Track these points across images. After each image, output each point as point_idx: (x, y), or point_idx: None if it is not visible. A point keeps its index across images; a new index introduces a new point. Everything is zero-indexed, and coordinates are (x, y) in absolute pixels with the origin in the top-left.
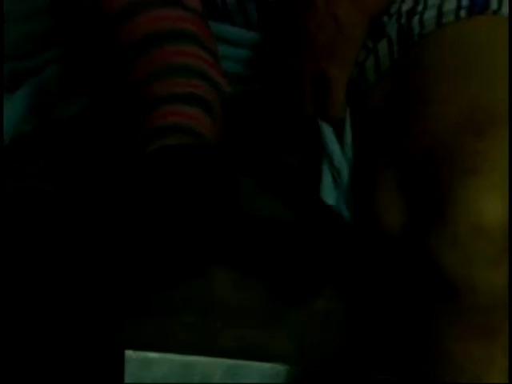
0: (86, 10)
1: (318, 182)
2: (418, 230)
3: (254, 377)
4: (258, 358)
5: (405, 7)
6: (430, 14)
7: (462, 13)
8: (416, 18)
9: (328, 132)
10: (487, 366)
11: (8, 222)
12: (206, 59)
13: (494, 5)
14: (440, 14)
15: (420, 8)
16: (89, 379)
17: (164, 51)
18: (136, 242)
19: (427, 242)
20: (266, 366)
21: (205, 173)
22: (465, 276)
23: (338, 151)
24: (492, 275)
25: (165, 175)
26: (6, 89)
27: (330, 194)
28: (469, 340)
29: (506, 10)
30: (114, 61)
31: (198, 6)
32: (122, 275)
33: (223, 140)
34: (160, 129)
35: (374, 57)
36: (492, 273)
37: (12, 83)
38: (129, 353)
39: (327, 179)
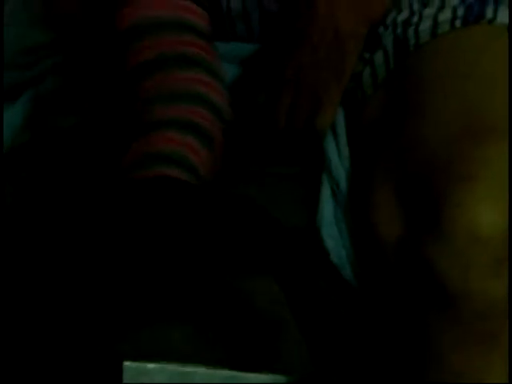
0: (100, 23)
1: (317, 193)
2: (415, 238)
3: None
4: (260, 369)
5: (400, 18)
6: (426, 25)
7: (457, 23)
8: (411, 29)
9: (329, 143)
10: (485, 374)
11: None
12: (213, 86)
13: (489, 14)
14: (435, 24)
15: (416, 19)
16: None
17: (170, 76)
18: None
19: (424, 250)
20: (264, 376)
21: (188, 217)
22: (461, 284)
23: (337, 162)
24: (489, 283)
25: (149, 209)
26: (5, 99)
27: (327, 206)
28: (466, 348)
29: (501, 19)
30: (119, 79)
31: (206, 28)
32: (121, 286)
33: (221, 167)
34: (153, 155)
35: (371, 68)
36: (489, 281)
37: (11, 93)
38: (127, 362)
39: (326, 191)
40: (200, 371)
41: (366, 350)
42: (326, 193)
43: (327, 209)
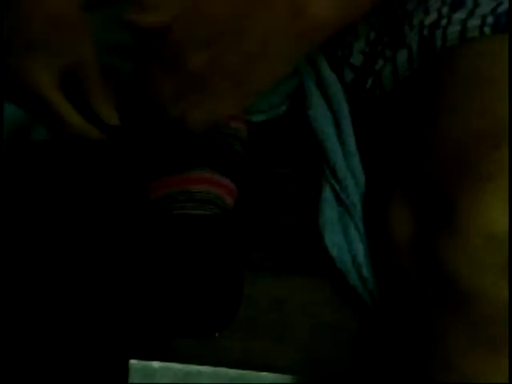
0: None
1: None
2: (428, 238)
3: None
4: (263, 368)
5: (428, 20)
6: (454, 29)
7: (487, 30)
8: (439, 31)
9: (331, 140)
10: (492, 378)
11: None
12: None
13: None
14: (464, 28)
15: (444, 22)
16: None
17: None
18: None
19: (437, 248)
20: (271, 376)
21: None
22: (474, 283)
23: (340, 161)
24: (501, 285)
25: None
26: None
27: (329, 209)
28: (474, 351)
29: None
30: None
31: None
32: (128, 287)
33: None
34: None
35: (392, 65)
36: (501, 282)
37: None
38: (133, 362)
39: (327, 192)
40: (205, 371)
41: (372, 352)
42: (327, 195)
43: (328, 212)
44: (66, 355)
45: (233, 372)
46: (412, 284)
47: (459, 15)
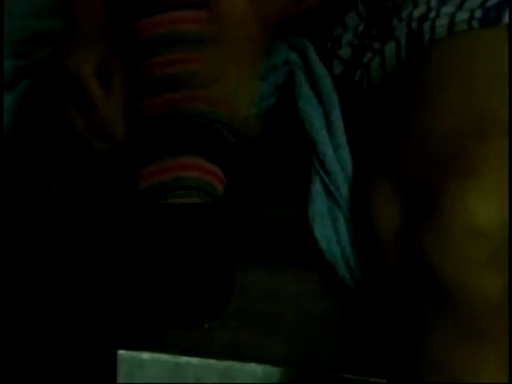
0: None
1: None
2: (413, 232)
3: (247, 379)
4: (252, 359)
5: (417, 13)
6: (442, 22)
7: (475, 23)
8: (427, 24)
9: (321, 133)
10: (477, 372)
11: (20, 228)
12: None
13: (506, 18)
14: (452, 22)
15: (432, 15)
16: (82, 379)
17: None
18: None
19: (421, 242)
20: (260, 368)
21: None
22: (456, 278)
23: (330, 154)
24: (484, 278)
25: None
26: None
27: (318, 201)
28: (459, 343)
29: None
30: None
31: None
32: (118, 278)
33: None
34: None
35: (380, 58)
36: (484, 275)
37: (9, 81)
38: (122, 353)
39: (317, 186)
40: (195, 362)
41: (361, 343)
42: (316, 188)
43: (318, 204)
44: (55, 346)
45: (222, 363)
46: (397, 277)
47: (448, 8)
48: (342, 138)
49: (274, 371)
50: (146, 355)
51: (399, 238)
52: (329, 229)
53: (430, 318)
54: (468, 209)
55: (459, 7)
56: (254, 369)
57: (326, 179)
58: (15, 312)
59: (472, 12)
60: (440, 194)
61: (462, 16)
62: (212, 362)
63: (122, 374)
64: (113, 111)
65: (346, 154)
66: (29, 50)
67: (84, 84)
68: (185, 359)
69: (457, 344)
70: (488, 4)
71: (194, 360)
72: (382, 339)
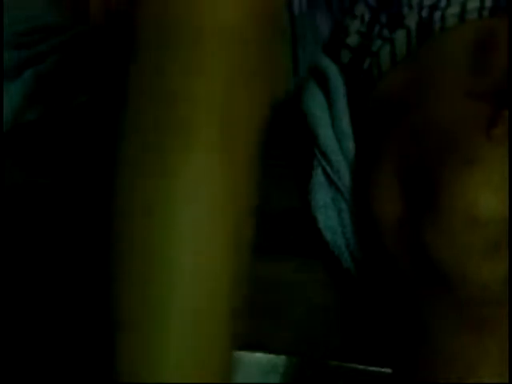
0: None
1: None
2: (414, 221)
3: (252, 368)
4: (257, 349)
5: (427, 1)
6: (453, 10)
7: (485, 12)
8: (438, 13)
9: (322, 126)
10: (477, 360)
11: (8, 218)
12: None
13: None
14: (463, 10)
15: (443, 4)
16: (81, 379)
17: None
18: None
19: (421, 231)
20: (265, 357)
21: None
22: (456, 266)
23: (332, 145)
24: (484, 267)
25: None
26: (5, 77)
27: (320, 191)
28: (460, 332)
29: None
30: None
31: None
32: None
33: None
34: None
35: (390, 45)
36: (484, 264)
37: (11, 72)
38: None
39: (319, 175)
40: None
41: (364, 333)
42: (318, 178)
43: (321, 194)
44: (56, 346)
45: None
46: (399, 266)
47: None
48: (346, 129)
49: (279, 360)
50: None
51: (400, 228)
52: (333, 220)
53: (431, 307)
54: (468, 198)
55: None
56: (260, 358)
57: (329, 169)
58: (13, 311)
59: (483, 1)
60: (441, 184)
61: (473, 5)
62: None
63: None
64: None
65: (350, 144)
66: (32, 41)
67: None
68: None
69: (457, 333)
70: None
71: None
72: (387, 329)
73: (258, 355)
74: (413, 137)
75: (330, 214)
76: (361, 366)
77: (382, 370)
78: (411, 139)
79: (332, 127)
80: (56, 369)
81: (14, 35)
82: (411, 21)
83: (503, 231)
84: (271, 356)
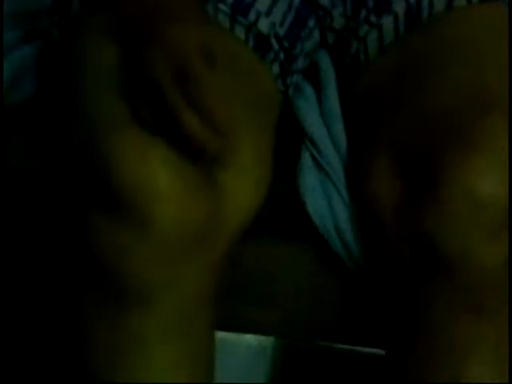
0: None
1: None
2: (413, 206)
3: (241, 350)
4: (245, 330)
5: None
6: None
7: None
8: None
9: (308, 113)
10: (477, 343)
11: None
12: None
13: None
14: None
15: None
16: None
17: None
18: None
19: (421, 216)
20: (254, 339)
21: None
22: (457, 250)
23: (320, 131)
24: (484, 251)
25: None
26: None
27: (309, 176)
28: (459, 316)
29: None
30: None
31: None
32: None
33: None
34: None
35: (378, 31)
36: (484, 249)
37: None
38: None
39: (306, 159)
40: None
41: (356, 317)
42: (306, 162)
43: (308, 179)
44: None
45: (217, 335)
46: (397, 251)
47: None
48: (336, 111)
49: (268, 342)
50: None
51: (398, 213)
52: (322, 204)
53: (431, 291)
54: (469, 182)
55: None
56: (249, 340)
57: (316, 154)
58: (7, 304)
59: None
60: (442, 168)
61: None
62: None
63: None
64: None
65: (339, 128)
66: (28, 22)
67: (187, 59)
68: None
69: (455, 317)
70: None
71: None
72: (381, 310)
73: (247, 337)
74: (411, 123)
75: (318, 198)
76: (350, 347)
77: (372, 350)
78: (409, 125)
79: (320, 114)
80: (55, 369)
81: (14, 17)
82: (399, 7)
83: (504, 215)
84: (260, 337)
